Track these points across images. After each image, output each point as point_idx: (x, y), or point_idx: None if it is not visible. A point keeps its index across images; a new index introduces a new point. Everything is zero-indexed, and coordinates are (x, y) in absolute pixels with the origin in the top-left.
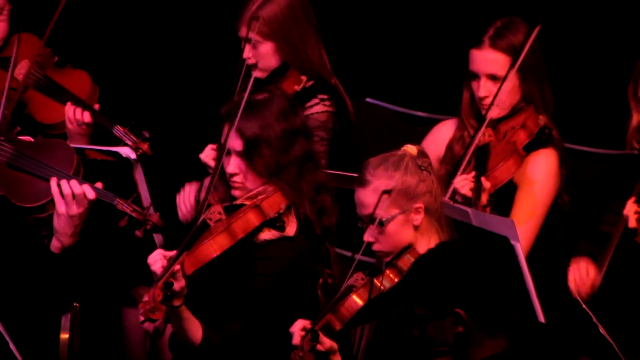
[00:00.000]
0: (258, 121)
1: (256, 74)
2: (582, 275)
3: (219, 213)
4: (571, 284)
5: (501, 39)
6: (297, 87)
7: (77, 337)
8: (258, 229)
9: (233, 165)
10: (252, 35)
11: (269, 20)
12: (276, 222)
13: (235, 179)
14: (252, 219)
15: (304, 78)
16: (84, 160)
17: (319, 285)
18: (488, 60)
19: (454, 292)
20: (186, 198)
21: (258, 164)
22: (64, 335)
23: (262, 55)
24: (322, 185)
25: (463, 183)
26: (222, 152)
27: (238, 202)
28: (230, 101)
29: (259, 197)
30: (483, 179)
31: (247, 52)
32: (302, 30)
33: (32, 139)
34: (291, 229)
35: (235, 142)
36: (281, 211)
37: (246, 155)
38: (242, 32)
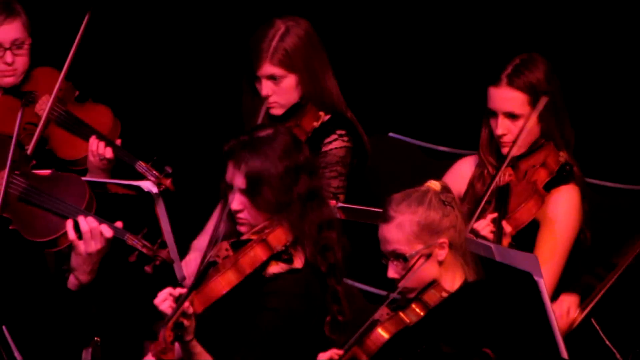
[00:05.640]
0: (260, 159)
1: (275, 111)
2: (562, 312)
3: (226, 249)
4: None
5: (519, 77)
6: (316, 124)
7: None
8: (266, 263)
9: (237, 202)
10: (277, 71)
11: (292, 52)
12: (283, 255)
13: (240, 215)
14: (259, 253)
15: (321, 114)
16: (105, 194)
17: (327, 323)
18: (505, 98)
19: (482, 331)
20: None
21: (260, 202)
22: None
23: (285, 90)
24: (326, 222)
25: (483, 225)
26: (226, 187)
27: (244, 237)
28: (233, 138)
29: (265, 232)
30: (504, 222)
31: (268, 89)
32: (320, 60)
33: (49, 172)
34: (299, 261)
35: (238, 180)
36: (288, 244)
37: (248, 192)
38: (264, 69)
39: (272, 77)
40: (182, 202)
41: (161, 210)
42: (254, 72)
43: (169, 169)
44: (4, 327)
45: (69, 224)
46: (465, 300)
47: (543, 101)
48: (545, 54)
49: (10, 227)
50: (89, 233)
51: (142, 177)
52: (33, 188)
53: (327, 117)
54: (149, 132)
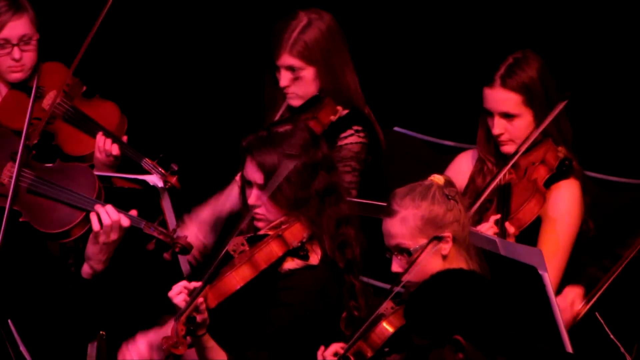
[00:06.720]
0: (278, 154)
1: (293, 102)
2: (565, 304)
3: (242, 244)
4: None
5: (512, 78)
6: (333, 118)
7: None
8: (282, 259)
9: (254, 197)
10: (295, 62)
11: (311, 45)
12: (299, 251)
13: (257, 210)
14: (275, 249)
15: (339, 108)
16: (111, 188)
17: (342, 319)
18: (500, 99)
19: (452, 318)
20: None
21: (278, 197)
22: None
23: (303, 81)
24: (344, 218)
25: (487, 228)
26: (244, 183)
27: (261, 232)
28: (252, 133)
29: (282, 227)
30: (507, 224)
31: (286, 80)
32: (341, 55)
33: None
34: (315, 258)
35: (255, 175)
36: (304, 240)
37: (266, 188)
38: (283, 59)
39: (291, 68)
40: (188, 199)
41: (167, 204)
42: (274, 62)
43: (174, 167)
44: (9, 321)
45: (94, 216)
46: (433, 289)
47: (560, 105)
48: (545, 47)
49: (20, 220)
50: (110, 225)
51: (148, 174)
52: (41, 179)
53: (345, 112)
54: (155, 129)
